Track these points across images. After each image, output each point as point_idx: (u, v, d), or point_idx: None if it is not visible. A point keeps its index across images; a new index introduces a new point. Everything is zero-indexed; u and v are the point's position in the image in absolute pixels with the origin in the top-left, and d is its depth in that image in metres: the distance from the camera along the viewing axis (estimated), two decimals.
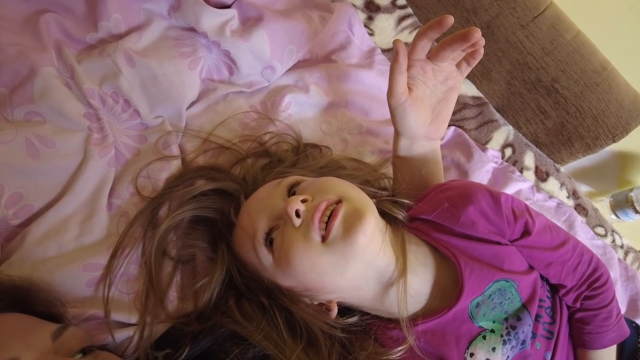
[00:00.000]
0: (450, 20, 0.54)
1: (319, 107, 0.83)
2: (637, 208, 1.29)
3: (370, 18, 0.94)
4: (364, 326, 0.59)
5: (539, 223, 0.61)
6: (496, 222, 0.59)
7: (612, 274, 0.89)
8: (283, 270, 0.54)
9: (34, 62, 0.63)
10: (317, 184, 0.56)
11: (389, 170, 0.81)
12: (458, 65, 0.64)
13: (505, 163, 0.93)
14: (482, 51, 0.60)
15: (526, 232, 0.60)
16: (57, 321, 0.53)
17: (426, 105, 0.65)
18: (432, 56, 0.61)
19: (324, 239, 0.52)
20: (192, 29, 0.76)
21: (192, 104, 0.75)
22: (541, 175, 0.95)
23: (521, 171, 0.94)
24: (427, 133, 0.67)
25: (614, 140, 0.88)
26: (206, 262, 0.66)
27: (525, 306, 0.60)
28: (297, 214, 0.52)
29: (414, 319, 0.57)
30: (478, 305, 0.58)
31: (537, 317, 0.61)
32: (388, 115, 0.88)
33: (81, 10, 0.70)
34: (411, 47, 0.60)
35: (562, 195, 0.95)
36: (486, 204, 0.58)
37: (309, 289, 0.55)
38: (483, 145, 0.93)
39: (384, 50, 0.93)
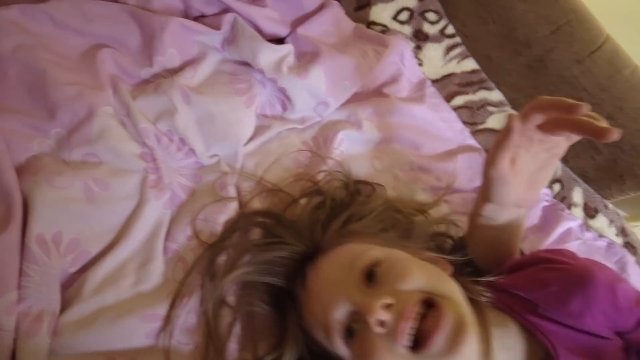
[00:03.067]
0: (586, 109, 0.48)
1: (371, 143, 0.81)
2: None
3: (418, 47, 0.92)
4: None
5: None
6: (611, 316, 0.52)
7: None
8: None
9: (92, 103, 0.61)
10: (396, 273, 0.51)
11: (441, 208, 0.79)
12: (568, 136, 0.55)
13: (554, 200, 0.91)
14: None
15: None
16: None
17: (525, 174, 0.57)
18: (545, 129, 0.53)
19: (416, 348, 0.47)
20: (246, 63, 0.74)
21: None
22: (590, 212, 0.93)
23: (569, 207, 0.92)
24: (518, 201, 0.59)
25: None
26: (264, 316, 0.64)
27: None
28: (380, 323, 0.47)
29: None
30: None
31: None
32: (439, 150, 0.87)
33: (136, 44, 0.68)
34: (524, 116, 0.53)
35: (611, 232, 0.93)
36: (604, 295, 0.52)
37: None
38: None
39: (432, 82, 0.91)
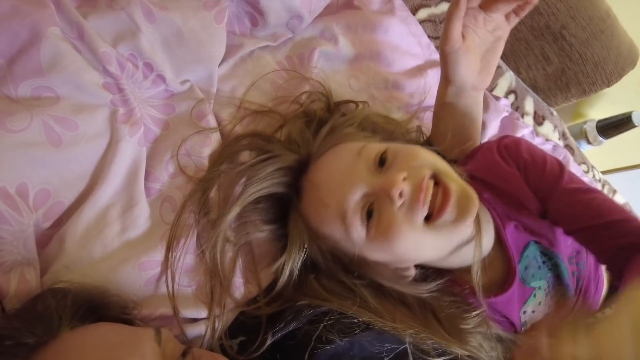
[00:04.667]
0: None
1: (346, 61, 0.77)
2: (590, 139, 1.43)
3: None
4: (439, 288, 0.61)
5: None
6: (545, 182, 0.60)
7: None
8: (378, 246, 0.53)
9: (36, 22, 0.49)
10: (405, 155, 0.53)
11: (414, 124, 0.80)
12: (506, 16, 0.64)
13: (511, 110, 0.96)
14: (533, 5, 0.61)
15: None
16: (130, 325, 0.49)
17: (476, 54, 0.64)
18: (485, 6, 0.61)
19: (429, 219, 0.51)
20: None
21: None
22: (538, 120, 1.00)
23: (522, 116, 0.98)
24: (475, 82, 0.66)
25: (608, 85, 0.94)
26: (262, 240, 0.62)
27: (565, 265, 0.64)
28: (399, 194, 0.50)
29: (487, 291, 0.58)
30: (526, 268, 0.61)
31: (573, 273, 0.65)
32: (409, 66, 0.86)
33: None
34: None
35: (555, 137, 1.02)
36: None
37: (401, 261, 0.55)
38: (489, 92, 0.94)
39: None
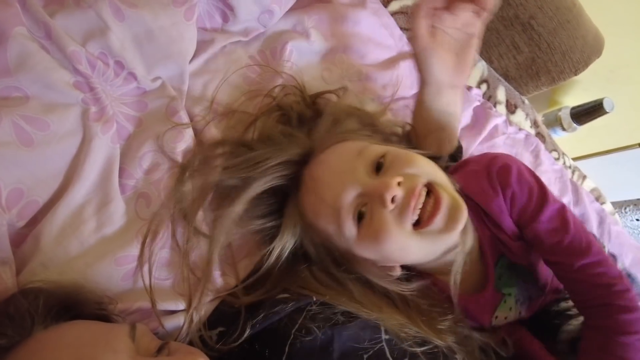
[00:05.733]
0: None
1: (319, 54, 0.78)
2: (564, 126, 1.47)
3: None
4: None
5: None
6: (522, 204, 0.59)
7: (566, 195, 1.03)
8: (367, 246, 0.55)
9: (1, 22, 0.50)
10: (403, 161, 0.55)
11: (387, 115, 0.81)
12: (476, 12, 0.63)
13: (483, 99, 0.98)
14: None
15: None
16: (107, 321, 0.50)
17: (448, 51, 0.65)
18: (449, 8, 0.62)
19: (418, 225, 0.52)
20: None
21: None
22: (511, 108, 1.03)
23: (495, 105, 1.00)
24: (451, 79, 0.67)
25: (576, 73, 0.96)
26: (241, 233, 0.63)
27: (534, 276, 0.65)
28: (392, 199, 0.51)
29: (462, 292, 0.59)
30: (500, 277, 0.63)
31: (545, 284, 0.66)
32: (382, 58, 0.87)
33: None
34: None
35: (527, 125, 1.05)
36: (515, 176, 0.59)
37: (388, 261, 0.57)
38: None
39: None
